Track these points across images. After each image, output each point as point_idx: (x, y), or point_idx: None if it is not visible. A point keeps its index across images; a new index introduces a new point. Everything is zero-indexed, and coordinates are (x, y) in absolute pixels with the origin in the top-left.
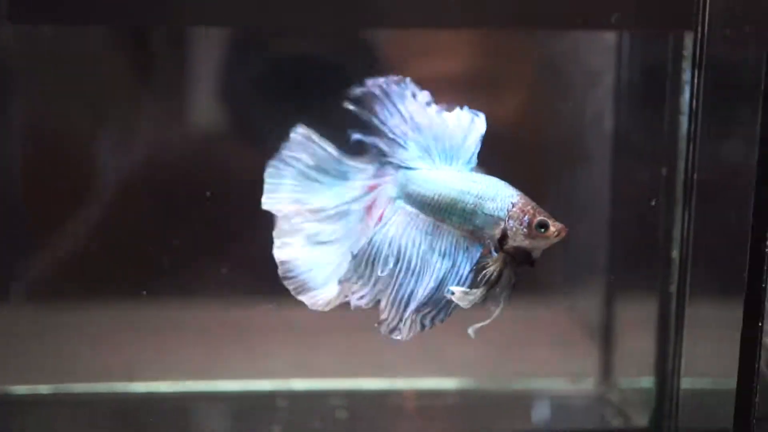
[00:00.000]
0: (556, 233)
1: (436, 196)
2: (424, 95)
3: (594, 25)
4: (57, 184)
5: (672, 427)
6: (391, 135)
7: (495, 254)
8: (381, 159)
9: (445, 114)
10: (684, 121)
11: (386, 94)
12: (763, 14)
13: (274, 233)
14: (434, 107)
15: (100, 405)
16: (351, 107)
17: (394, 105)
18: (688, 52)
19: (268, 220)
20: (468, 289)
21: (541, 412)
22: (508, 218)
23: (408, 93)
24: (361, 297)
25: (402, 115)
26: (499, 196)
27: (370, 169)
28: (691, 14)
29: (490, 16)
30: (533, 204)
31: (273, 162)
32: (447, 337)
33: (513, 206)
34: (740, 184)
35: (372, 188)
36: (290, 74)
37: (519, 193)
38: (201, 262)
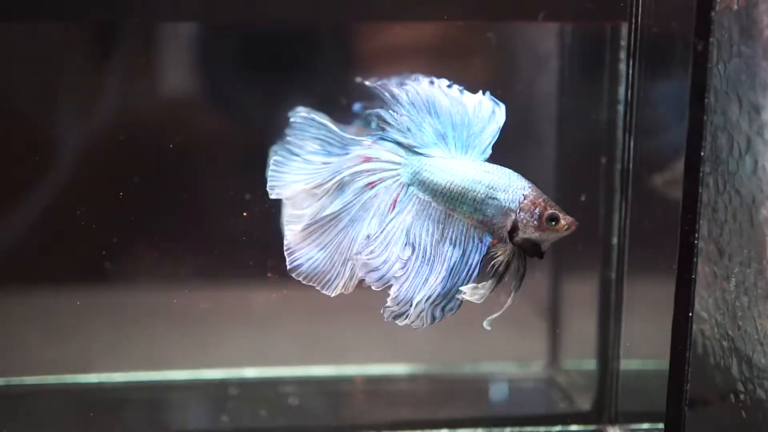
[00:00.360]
0: (566, 227)
1: (448, 185)
2: (443, 81)
3: (534, 18)
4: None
5: (612, 410)
6: (408, 116)
7: (504, 245)
8: (379, 131)
9: (467, 98)
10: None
11: (408, 79)
12: (688, 8)
13: (282, 222)
14: (456, 87)
15: (51, 396)
16: (372, 84)
17: (415, 88)
18: (624, 42)
19: (221, 204)
20: (477, 284)
21: (492, 396)
22: (520, 210)
23: (430, 80)
24: (378, 278)
25: (422, 97)
26: (511, 188)
27: (365, 139)
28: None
29: (438, 9)
30: (545, 197)
31: (277, 150)
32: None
33: (524, 198)
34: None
35: (366, 159)
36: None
37: (531, 185)
38: (153, 248)
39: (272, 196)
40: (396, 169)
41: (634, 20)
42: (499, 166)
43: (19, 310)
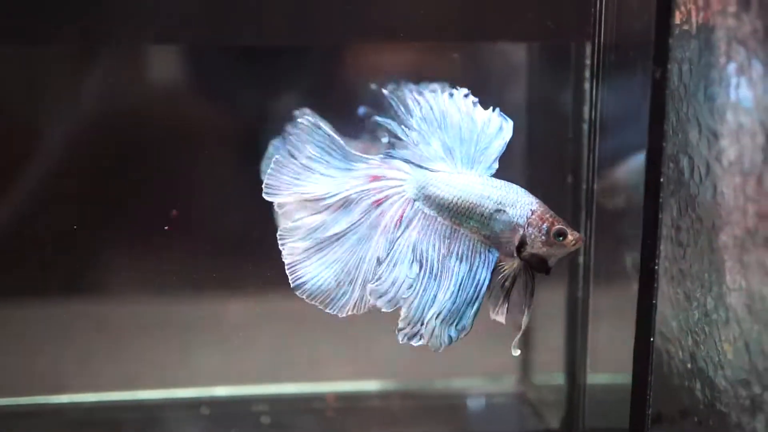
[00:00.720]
0: (573, 242)
1: (455, 200)
2: (461, 93)
3: (504, 38)
4: None
5: (580, 426)
6: (418, 131)
7: (512, 260)
8: (388, 149)
9: (478, 113)
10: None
11: (426, 89)
12: (648, 31)
13: (279, 234)
14: (471, 100)
15: (22, 418)
16: (388, 93)
17: (430, 102)
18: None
19: (198, 217)
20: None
21: (464, 413)
22: (528, 225)
23: (445, 92)
24: (387, 301)
25: (435, 113)
26: (519, 203)
27: (374, 159)
28: (590, 26)
29: (415, 30)
30: (552, 213)
31: (276, 150)
32: (369, 338)
33: (532, 213)
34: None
35: (375, 179)
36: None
37: (538, 200)
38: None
39: (266, 197)
40: (401, 185)
41: (597, 40)
42: (505, 182)
43: None
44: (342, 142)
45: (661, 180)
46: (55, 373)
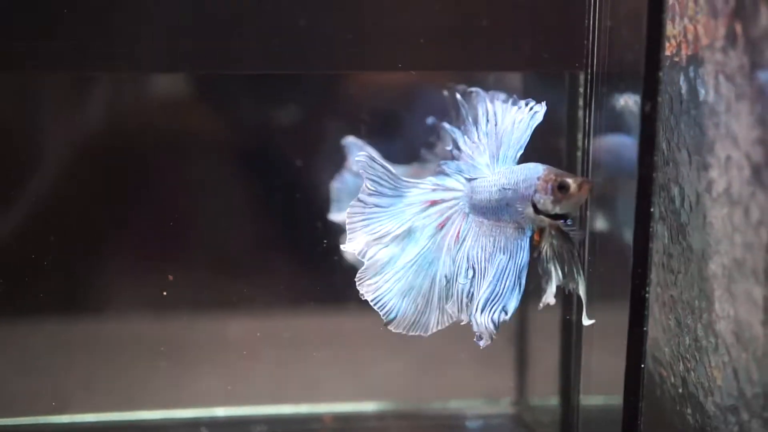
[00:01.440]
0: (577, 188)
1: (489, 197)
2: (527, 104)
3: (501, 67)
4: None
5: None
6: (478, 142)
7: (542, 232)
8: (441, 167)
9: (510, 112)
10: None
11: (498, 98)
12: (637, 61)
13: (358, 276)
14: (510, 102)
15: None
16: (461, 103)
17: (497, 116)
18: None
19: (199, 238)
20: (547, 285)
21: None
22: (535, 192)
23: (513, 105)
24: (455, 310)
25: (497, 126)
26: (528, 178)
27: (427, 183)
28: (583, 57)
29: (411, 60)
30: (557, 171)
31: (338, 192)
32: (367, 360)
33: (539, 180)
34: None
35: (433, 203)
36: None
37: (547, 167)
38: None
39: (348, 248)
40: (457, 203)
41: (590, 71)
42: (521, 165)
43: None
44: (394, 171)
45: (651, 210)
46: (55, 394)
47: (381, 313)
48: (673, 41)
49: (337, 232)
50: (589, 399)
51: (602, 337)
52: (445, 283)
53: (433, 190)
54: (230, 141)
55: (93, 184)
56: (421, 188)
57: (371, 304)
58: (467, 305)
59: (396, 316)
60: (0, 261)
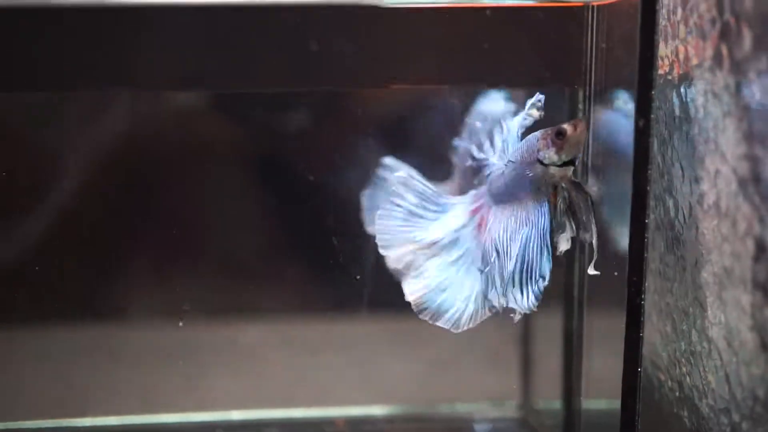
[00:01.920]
0: (573, 128)
1: (505, 182)
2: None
3: (502, 84)
4: None
5: None
6: (503, 143)
7: (555, 190)
8: (474, 180)
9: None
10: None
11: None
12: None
13: (403, 277)
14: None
15: None
16: (478, 125)
17: (510, 131)
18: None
19: (213, 243)
20: (560, 235)
21: None
22: (538, 150)
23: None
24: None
25: (508, 142)
26: (530, 146)
27: (467, 197)
28: (582, 74)
29: (411, 75)
30: (553, 127)
31: (370, 200)
32: (378, 364)
33: (538, 141)
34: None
35: (474, 212)
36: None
37: (543, 130)
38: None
39: (383, 252)
40: (485, 201)
41: (588, 87)
42: (521, 142)
43: (15, 351)
44: (434, 188)
45: (646, 221)
46: (72, 397)
47: (427, 317)
48: (666, 61)
49: (352, 240)
50: (591, 402)
51: (603, 342)
52: (480, 275)
53: (473, 202)
54: (246, 154)
55: (111, 194)
56: (461, 201)
57: (412, 302)
58: (503, 287)
59: (443, 314)
60: (22, 268)
